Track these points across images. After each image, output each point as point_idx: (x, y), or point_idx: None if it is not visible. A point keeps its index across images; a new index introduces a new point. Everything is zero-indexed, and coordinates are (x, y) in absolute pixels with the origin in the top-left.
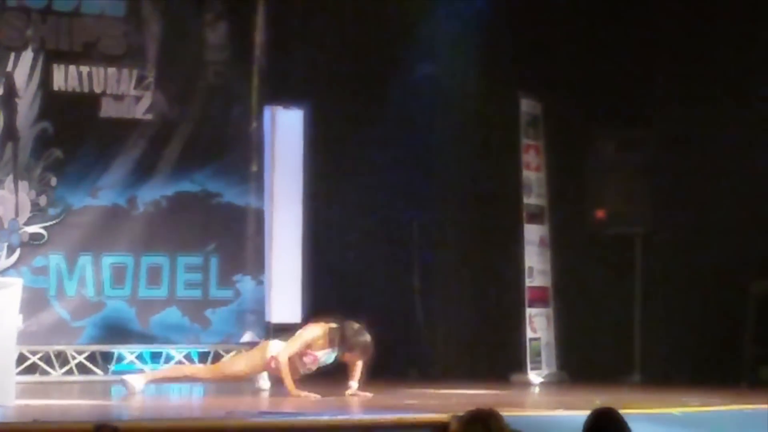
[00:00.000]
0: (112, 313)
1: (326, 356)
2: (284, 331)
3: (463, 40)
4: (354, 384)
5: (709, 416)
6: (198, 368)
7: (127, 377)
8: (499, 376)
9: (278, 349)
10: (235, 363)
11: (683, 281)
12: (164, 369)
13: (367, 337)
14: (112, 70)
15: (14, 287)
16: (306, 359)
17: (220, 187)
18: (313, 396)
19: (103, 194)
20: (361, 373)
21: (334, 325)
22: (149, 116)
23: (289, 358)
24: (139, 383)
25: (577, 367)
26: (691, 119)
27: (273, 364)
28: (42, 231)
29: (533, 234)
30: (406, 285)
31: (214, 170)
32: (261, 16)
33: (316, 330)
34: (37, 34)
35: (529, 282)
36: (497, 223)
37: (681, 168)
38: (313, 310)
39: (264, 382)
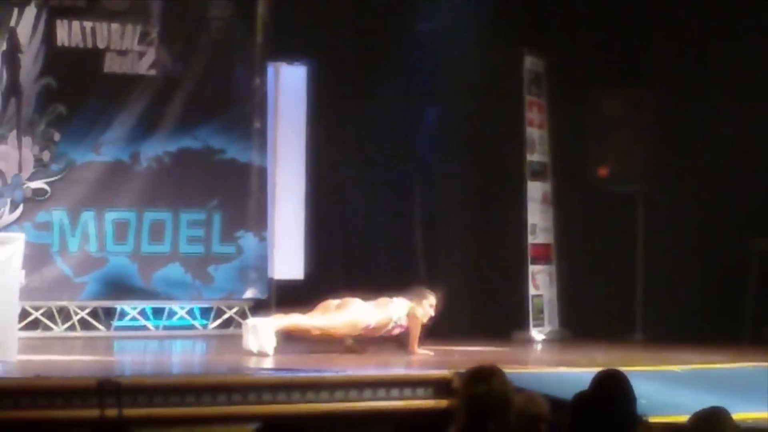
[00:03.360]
0: (115, 269)
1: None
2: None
3: None
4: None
5: (710, 373)
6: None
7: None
8: (501, 333)
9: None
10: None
11: (685, 239)
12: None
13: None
14: (115, 26)
15: (17, 243)
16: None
17: (223, 143)
18: (431, 353)
19: (106, 150)
20: None
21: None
22: (152, 72)
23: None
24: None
25: (579, 324)
26: (694, 78)
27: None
28: (45, 186)
29: (536, 191)
30: (408, 241)
31: (217, 126)
32: None
33: (410, 305)
34: None
35: (531, 239)
36: (500, 179)
37: (683, 126)
38: (316, 267)
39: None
